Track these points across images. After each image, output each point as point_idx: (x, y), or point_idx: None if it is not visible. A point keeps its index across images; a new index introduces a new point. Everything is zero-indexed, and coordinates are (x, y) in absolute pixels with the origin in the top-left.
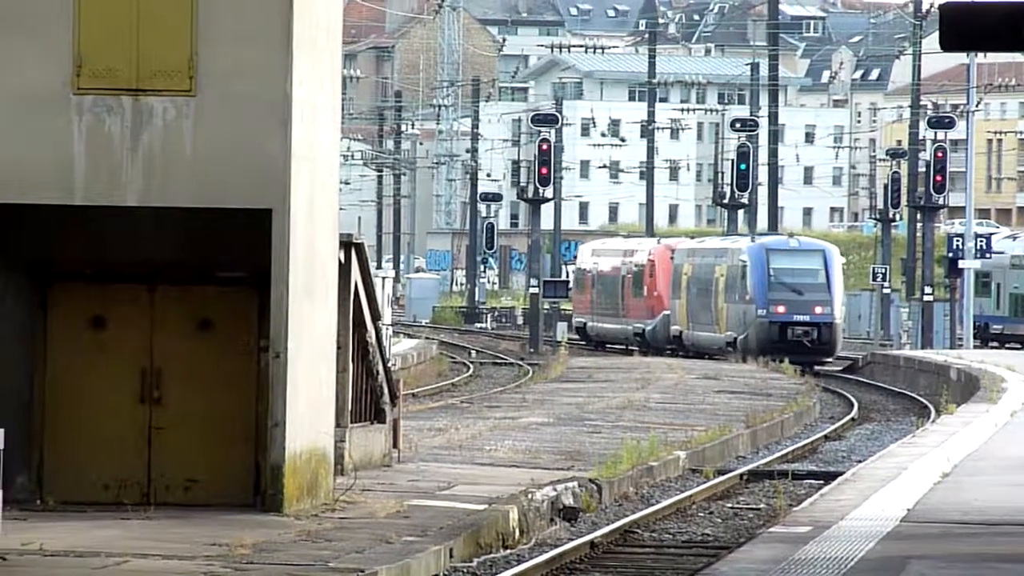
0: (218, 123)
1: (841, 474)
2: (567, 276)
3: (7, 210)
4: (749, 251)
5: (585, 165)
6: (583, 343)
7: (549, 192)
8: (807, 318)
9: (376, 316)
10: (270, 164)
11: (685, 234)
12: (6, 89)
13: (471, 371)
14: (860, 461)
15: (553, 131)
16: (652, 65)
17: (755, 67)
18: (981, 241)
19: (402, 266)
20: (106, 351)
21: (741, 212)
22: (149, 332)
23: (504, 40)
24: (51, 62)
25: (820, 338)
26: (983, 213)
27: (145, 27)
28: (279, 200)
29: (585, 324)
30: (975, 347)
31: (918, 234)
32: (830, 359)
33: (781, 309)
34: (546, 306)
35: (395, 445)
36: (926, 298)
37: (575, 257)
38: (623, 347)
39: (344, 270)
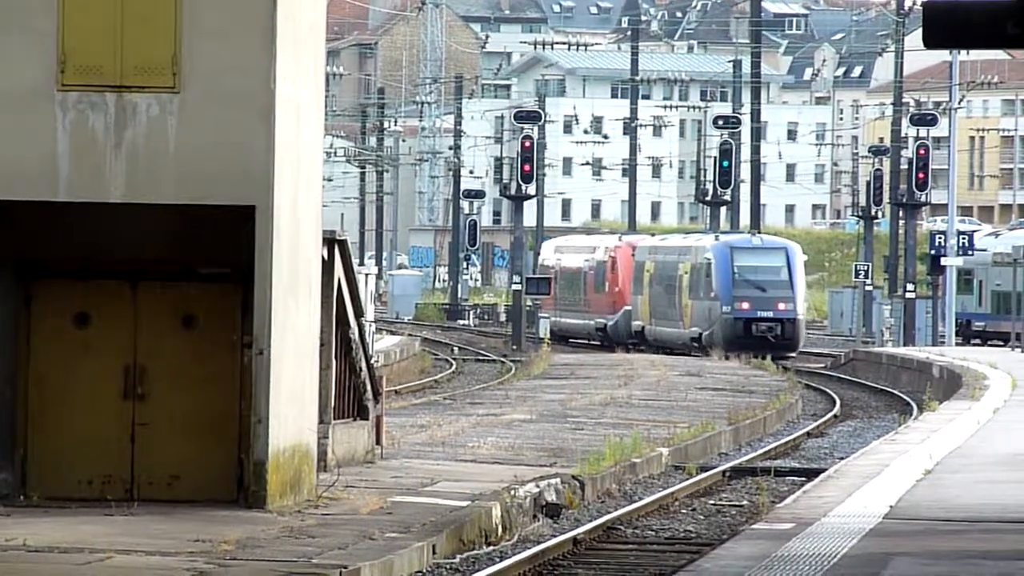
0: (202, 120)
1: (824, 471)
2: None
3: None
4: (713, 249)
5: (568, 162)
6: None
7: (532, 189)
8: (771, 314)
9: (359, 313)
10: (254, 161)
11: (667, 231)
12: None
13: (454, 368)
14: (843, 458)
15: (536, 128)
16: (635, 62)
17: (738, 64)
18: (963, 238)
19: (385, 263)
20: (90, 348)
21: (724, 209)
22: (133, 329)
23: (487, 37)
24: (35, 58)
25: (784, 333)
26: (965, 211)
27: (129, 23)
28: (263, 197)
29: (548, 319)
30: (957, 344)
31: (900, 231)
32: (793, 354)
33: (745, 305)
34: (528, 303)
35: (378, 442)
36: (908, 295)
37: (538, 253)
38: (585, 341)
39: (327, 267)
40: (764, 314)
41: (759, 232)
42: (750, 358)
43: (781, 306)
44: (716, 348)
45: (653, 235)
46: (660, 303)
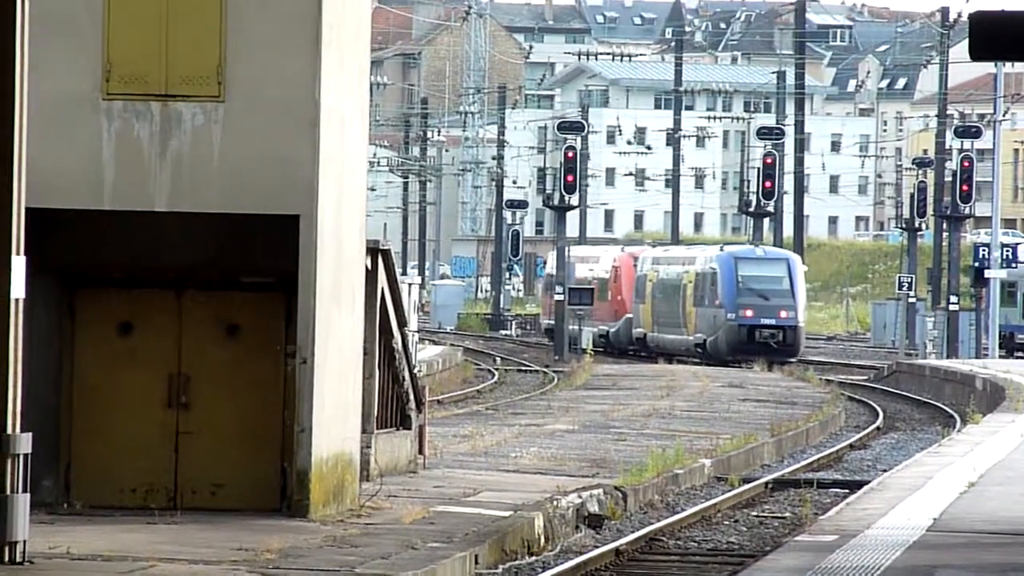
0: (246, 129)
1: (867, 483)
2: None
3: (36, 215)
4: (718, 259)
5: (611, 173)
6: (551, 343)
7: (575, 199)
8: (773, 321)
9: (402, 322)
10: (298, 170)
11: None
12: (37, 95)
13: (496, 378)
14: (886, 470)
15: (579, 138)
16: (678, 73)
17: (781, 76)
18: (1007, 251)
19: (427, 273)
20: (134, 356)
21: (767, 220)
22: (177, 337)
23: (531, 47)
24: (81, 68)
25: (785, 339)
26: (1009, 223)
27: (174, 33)
28: (307, 206)
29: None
30: (1000, 357)
31: (944, 243)
32: (794, 359)
33: (749, 313)
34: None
35: (420, 451)
36: (952, 307)
37: (545, 263)
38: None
39: (371, 276)
40: (767, 321)
41: (762, 243)
42: (792, 369)
43: (783, 314)
44: (720, 354)
45: (654, 246)
46: (663, 311)
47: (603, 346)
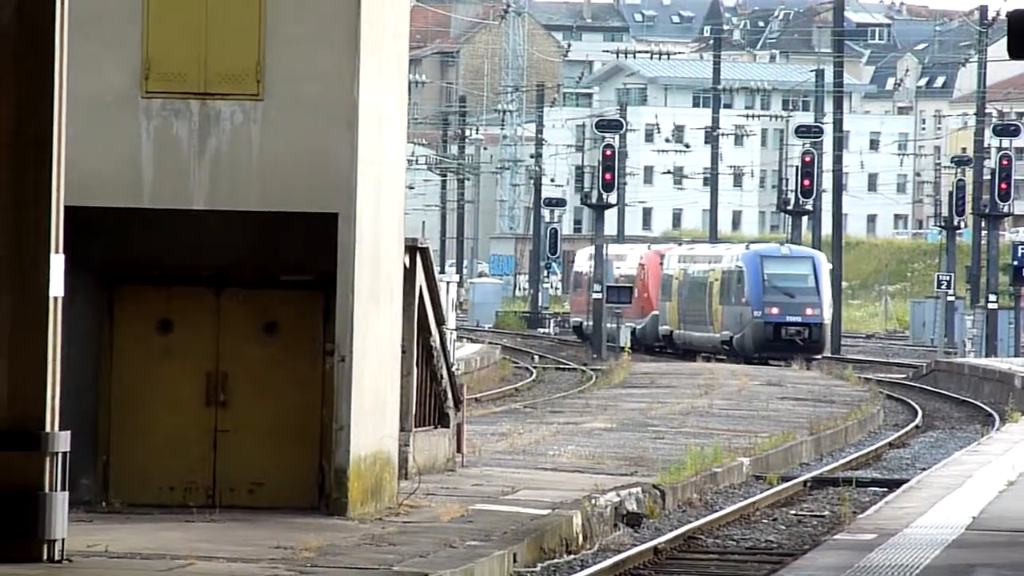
0: (285, 127)
1: (906, 481)
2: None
3: (75, 213)
4: (744, 258)
5: (649, 171)
6: (579, 341)
7: (613, 198)
8: (799, 319)
9: (440, 320)
10: (336, 168)
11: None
12: (76, 92)
13: (534, 376)
14: (924, 469)
15: (617, 137)
16: (717, 71)
17: (820, 74)
18: None
19: (465, 271)
20: (172, 354)
21: (805, 219)
22: (215, 335)
23: (569, 46)
24: (120, 66)
25: (811, 337)
26: None
27: (213, 31)
28: (345, 204)
29: (581, 323)
30: None
31: (983, 242)
32: (819, 356)
33: (775, 311)
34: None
35: (459, 449)
36: (991, 306)
37: (571, 262)
38: (615, 345)
39: (409, 274)
40: (793, 319)
41: (788, 242)
42: (831, 368)
43: (808, 311)
44: (746, 350)
45: (680, 244)
46: (690, 308)
47: (630, 343)
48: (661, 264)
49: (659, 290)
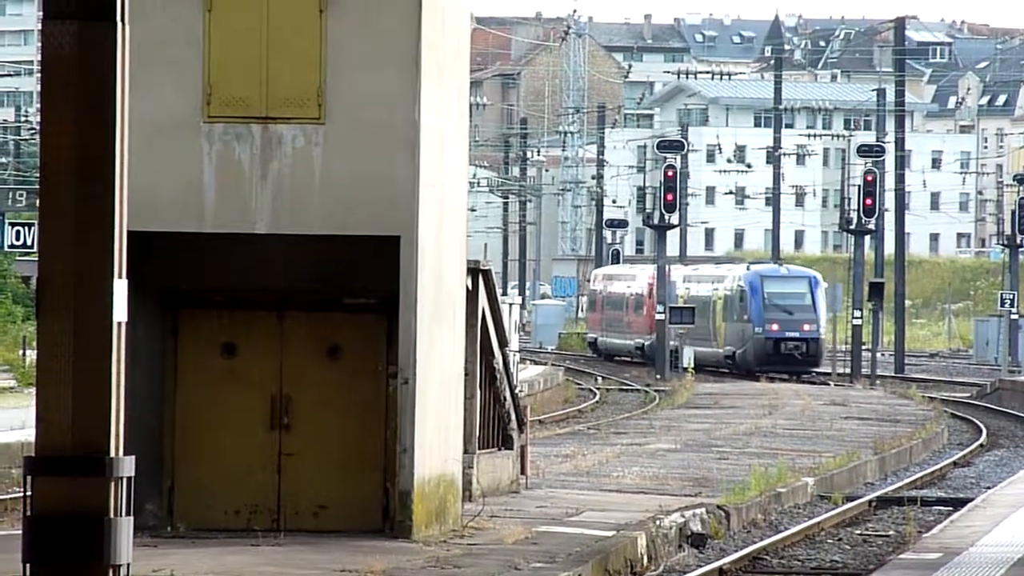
0: (347, 150)
1: (971, 500)
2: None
3: (139, 238)
4: (746, 277)
5: (711, 191)
6: (594, 356)
7: (675, 218)
8: (797, 334)
9: (503, 342)
10: (398, 191)
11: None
12: (139, 118)
13: (597, 397)
14: (989, 487)
15: (679, 157)
16: (778, 91)
17: (881, 93)
18: None
19: (528, 292)
20: (236, 378)
21: (867, 238)
22: (279, 359)
23: (630, 67)
24: (181, 90)
25: (808, 351)
26: None
27: (274, 55)
28: (407, 227)
29: (596, 339)
30: None
31: None
32: (816, 369)
33: (775, 327)
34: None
35: (522, 471)
36: None
37: (588, 280)
38: (628, 359)
39: (471, 296)
40: (791, 334)
41: (784, 262)
42: (895, 388)
43: (806, 327)
44: (748, 365)
45: (686, 264)
46: (695, 325)
47: (640, 357)
48: None
49: None
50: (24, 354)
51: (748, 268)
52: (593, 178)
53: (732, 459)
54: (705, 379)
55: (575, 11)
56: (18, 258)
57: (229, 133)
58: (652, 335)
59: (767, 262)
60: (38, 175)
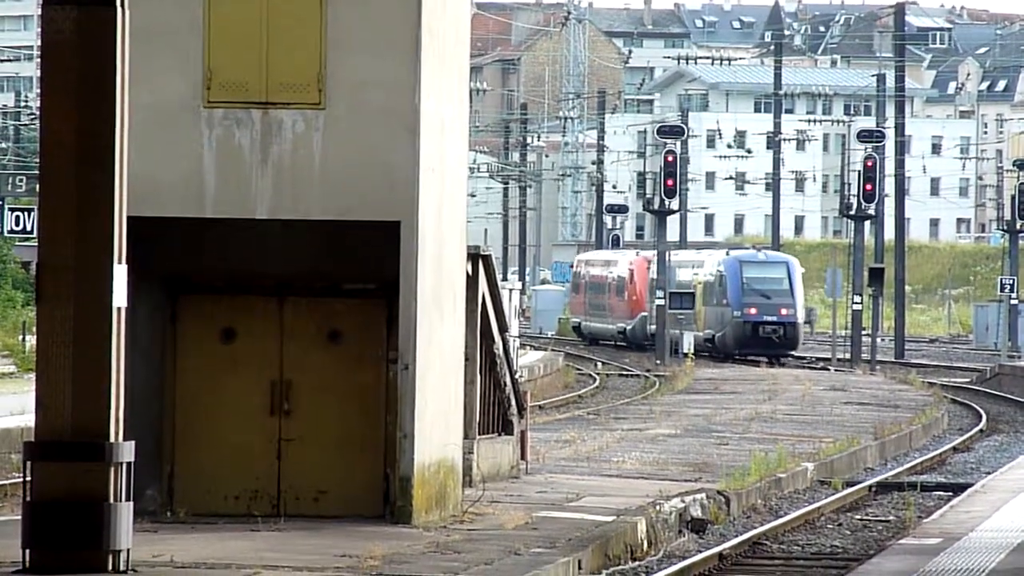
0: (347, 135)
1: (971, 486)
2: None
3: (139, 223)
4: (725, 263)
5: (711, 176)
6: (576, 339)
7: (675, 204)
8: (775, 318)
9: (503, 328)
10: (399, 176)
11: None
12: (139, 104)
13: (597, 383)
14: (989, 473)
15: (679, 143)
16: (778, 76)
17: (881, 78)
18: None
19: (528, 278)
20: (236, 363)
21: (867, 223)
22: (279, 344)
23: (630, 52)
24: (181, 76)
25: (786, 335)
26: None
27: (274, 41)
28: (407, 212)
29: (579, 324)
30: None
31: None
32: (794, 352)
33: (753, 311)
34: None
35: (523, 457)
36: None
37: (571, 265)
38: (611, 343)
39: (472, 282)
40: (769, 318)
41: (763, 248)
42: (895, 373)
43: (783, 311)
44: (727, 348)
45: (670, 251)
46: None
47: (622, 341)
48: (648, 268)
49: (647, 292)
50: (24, 339)
51: (727, 254)
52: (593, 163)
53: (732, 444)
54: (705, 365)
55: None
56: (18, 243)
57: (229, 118)
58: (634, 319)
59: (745, 247)
60: (38, 160)
